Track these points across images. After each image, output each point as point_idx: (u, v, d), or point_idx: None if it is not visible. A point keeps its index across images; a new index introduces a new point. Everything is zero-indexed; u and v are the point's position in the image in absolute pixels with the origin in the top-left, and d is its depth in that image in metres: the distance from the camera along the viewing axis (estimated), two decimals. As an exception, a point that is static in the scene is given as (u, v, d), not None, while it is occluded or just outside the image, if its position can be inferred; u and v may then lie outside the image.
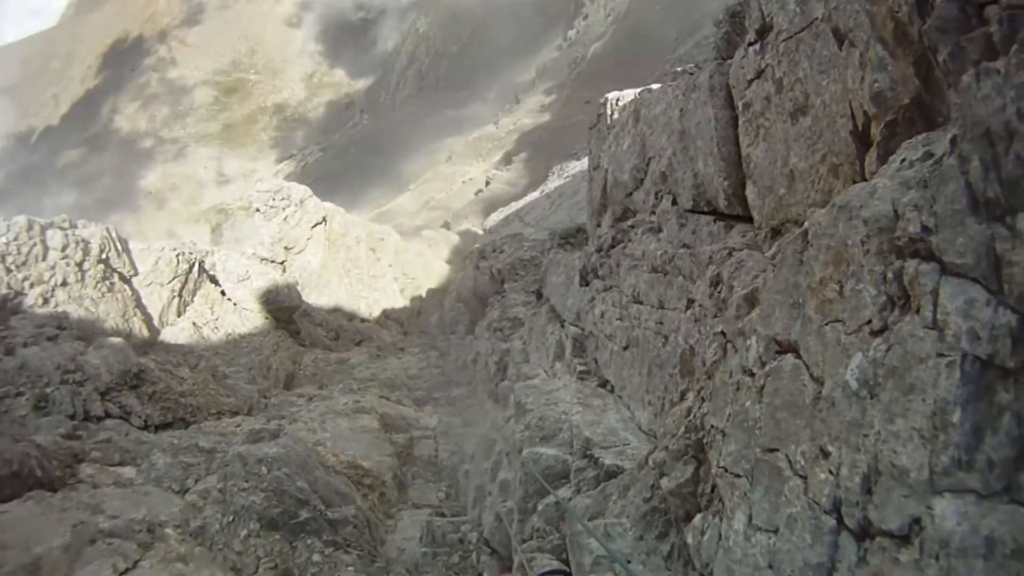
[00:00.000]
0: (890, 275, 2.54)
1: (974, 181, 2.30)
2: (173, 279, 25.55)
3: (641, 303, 8.35)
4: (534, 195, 55.07)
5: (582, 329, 10.84)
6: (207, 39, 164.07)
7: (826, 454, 2.77)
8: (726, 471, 3.56)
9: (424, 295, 35.12)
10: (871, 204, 2.70)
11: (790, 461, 3.04)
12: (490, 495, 9.76)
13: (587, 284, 10.68)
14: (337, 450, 13.55)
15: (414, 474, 14.42)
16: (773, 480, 3.14)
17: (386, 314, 34.77)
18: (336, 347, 29.43)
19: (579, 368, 10.40)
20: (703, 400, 4.19)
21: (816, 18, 5.03)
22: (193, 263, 26.73)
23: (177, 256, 25.98)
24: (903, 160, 2.89)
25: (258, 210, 34.28)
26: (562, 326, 12.17)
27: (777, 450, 3.14)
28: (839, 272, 2.85)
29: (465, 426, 15.42)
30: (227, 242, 34.63)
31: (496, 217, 57.07)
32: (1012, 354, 2.15)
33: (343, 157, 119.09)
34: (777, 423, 3.14)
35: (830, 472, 2.73)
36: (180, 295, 25.89)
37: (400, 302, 35.81)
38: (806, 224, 3.09)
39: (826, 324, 2.91)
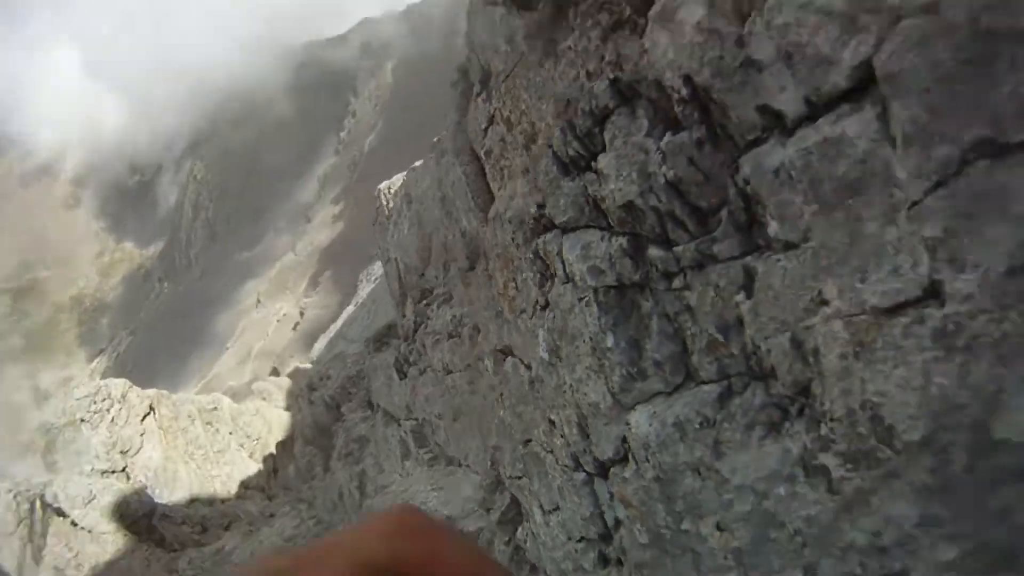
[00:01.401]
0: (531, 256, 2.98)
1: (557, 148, 2.77)
2: (19, 525, 23.02)
3: (451, 372, 8.64)
4: (350, 309, 54.22)
5: (416, 420, 10.94)
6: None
7: (553, 423, 3.12)
8: (511, 479, 3.85)
9: (275, 451, 33.59)
10: (512, 205, 3.16)
11: (540, 443, 3.37)
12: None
13: (405, 375, 10.85)
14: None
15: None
16: (538, 467, 3.46)
17: (244, 485, 32.73)
18: (206, 539, 27.25)
19: (427, 457, 10.48)
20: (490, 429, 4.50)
21: (523, 51, 5.61)
22: (33, 500, 24.18)
23: (15, 498, 23.48)
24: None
25: (83, 420, 31.63)
26: (399, 425, 12.18)
27: (530, 440, 3.47)
28: (511, 272, 3.26)
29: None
30: (65, 459, 31.57)
31: (320, 345, 55.44)
32: (635, 269, 2.49)
33: (153, 334, 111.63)
34: (519, 417, 3.48)
35: (561, 436, 3.07)
36: (31, 540, 23.25)
37: (253, 467, 33.89)
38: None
39: (518, 319, 3.30)
